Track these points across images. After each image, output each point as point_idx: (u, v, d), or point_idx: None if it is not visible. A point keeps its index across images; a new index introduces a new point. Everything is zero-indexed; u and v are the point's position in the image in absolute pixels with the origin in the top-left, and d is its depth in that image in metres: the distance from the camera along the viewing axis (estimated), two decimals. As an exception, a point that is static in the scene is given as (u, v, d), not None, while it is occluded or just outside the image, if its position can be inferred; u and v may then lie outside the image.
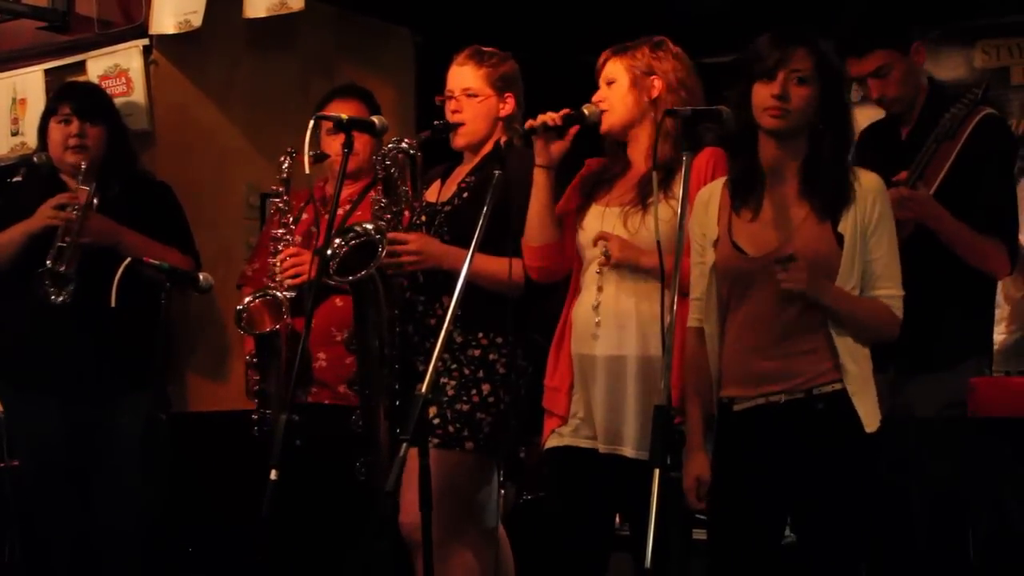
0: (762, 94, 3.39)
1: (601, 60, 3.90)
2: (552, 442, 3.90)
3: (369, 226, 4.10)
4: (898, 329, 3.44)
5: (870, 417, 3.39)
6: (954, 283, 3.95)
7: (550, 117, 3.78)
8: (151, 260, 4.46)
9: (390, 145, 4.21)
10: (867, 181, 3.45)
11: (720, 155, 3.69)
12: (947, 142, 3.95)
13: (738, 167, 3.51)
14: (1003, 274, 4.10)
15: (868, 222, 3.40)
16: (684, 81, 3.80)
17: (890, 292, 3.43)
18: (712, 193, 3.57)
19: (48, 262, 4.53)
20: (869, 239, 3.41)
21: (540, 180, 3.88)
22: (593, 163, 3.99)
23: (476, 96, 4.25)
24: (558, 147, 3.84)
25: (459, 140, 4.29)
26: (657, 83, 3.81)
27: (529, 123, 3.80)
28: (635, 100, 3.82)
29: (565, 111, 3.80)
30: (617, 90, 3.84)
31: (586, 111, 3.81)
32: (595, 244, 3.76)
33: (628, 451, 3.71)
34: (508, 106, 4.29)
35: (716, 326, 3.51)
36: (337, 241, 4.04)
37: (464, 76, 4.27)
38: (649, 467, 2.94)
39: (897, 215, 3.72)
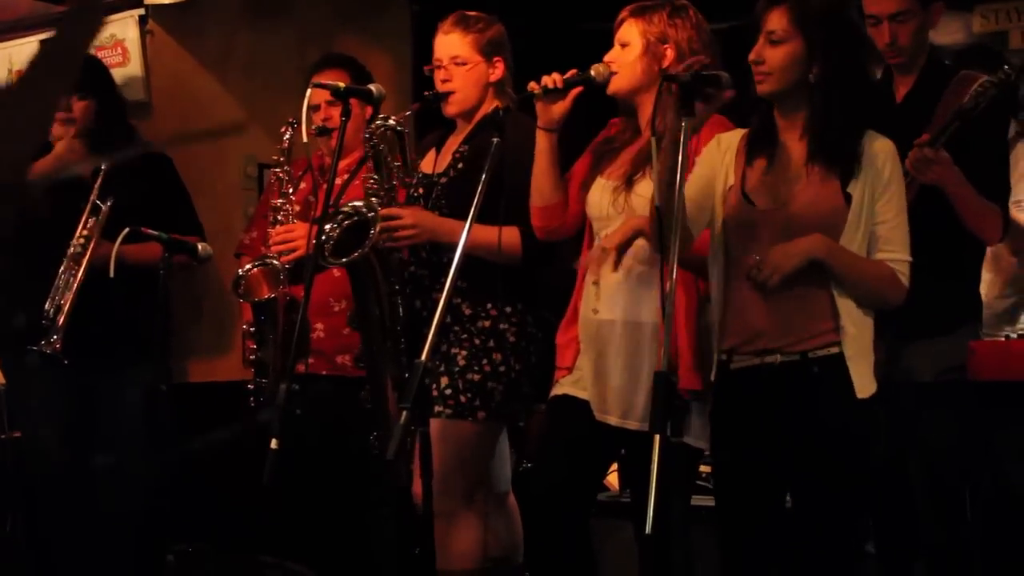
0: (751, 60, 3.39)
1: (618, 20, 3.83)
2: (554, 391, 3.91)
3: (360, 204, 4.06)
4: (904, 295, 3.40)
5: (864, 383, 3.36)
6: (947, 250, 3.93)
7: (550, 79, 3.74)
8: (149, 230, 4.46)
9: (378, 122, 4.17)
10: (879, 145, 3.40)
11: (719, 121, 3.65)
12: (951, 106, 3.93)
13: (755, 125, 3.48)
14: (995, 240, 4.09)
15: (877, 185, 3.36)
16: (699, 51, 3.68)
17: (897, 256, 3.39)
18: (732, 141, 3.52)
19: (39, 344, 4.56)
20: (877, 202, 3.37)
21: (542, 142, 3.86)
22: (617, 123, 3.95)
23: (465, 64, 4.21)
24: (560, 108, 3.79)
25: (451, 108, 4.25)
26: (669, 52, 3.74)
27: (531, 85, 3.77)
28: (645, 67, 3.77)
29: (572, 72, 3.76)
30: (629, 54, 3.78)
31: (593, 72, 3.75)
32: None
33: (613, 420, 3.73)
34: (497, 71, 4.25)
35: (721, 275, 3.48)
36: (329, 226, 4.00)
37: (451, 44, 4.23)
38: (650, 434, 2.92)
39: (919, 178, 3.75)
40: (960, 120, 3.87)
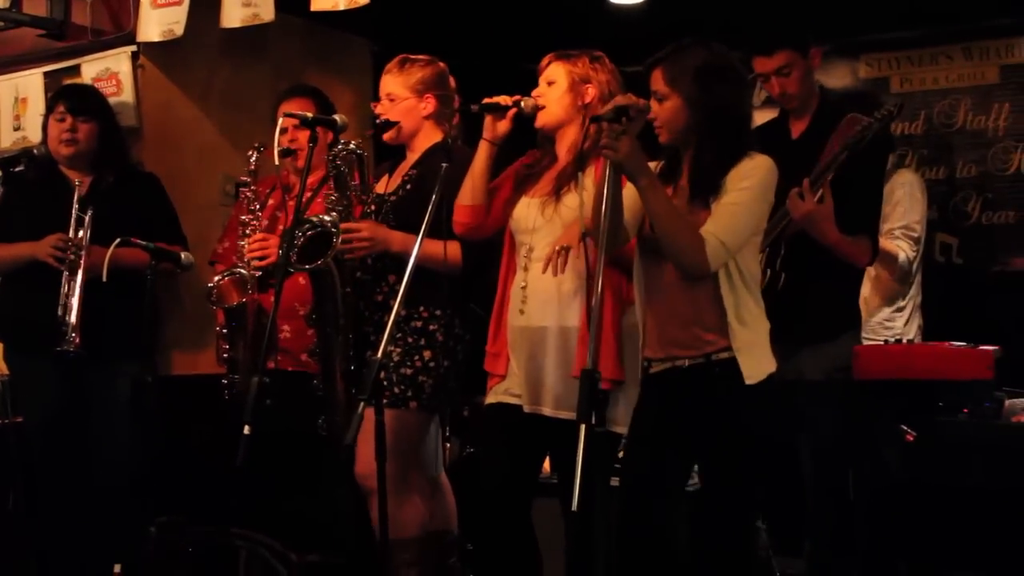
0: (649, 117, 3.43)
1: (545, 61, 3.92)
2: (488, 399, 3.98)
3: (326, 219, 4.14)
4: (704, 267, 3.28)
5: (751, 371, 3.36)
6: (831, 271, 4.03)
7: (503, 99, 3.84)
8: (138, 240, 4.47)
9: (340, 146, 4.25)
10: (748, 163, 3.37)
11: None
12: (832, 145, 3.99)
13: (664, 161, 3.54)
14: (864, 264, 4.18)
15: (736, 185, 3.34)
16: (615, 93, 3.75)
17: (711, 230, 3.29)
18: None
19: (58, 347, 4.58)
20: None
21: (483, 151, 3.92)
22: (535, 153, 4.02)
23: (395, 100, 4.29)
24: (503, 126, 3.88)
25: (386, 136, 4.33)
26: (591, 91, 3.85)
27: (486, 100, 3.84)
28: (570, 102, 3.86)
29: (516, 97, 3.84)
30: (555, 91, 3.86)
31: (523, 103, 3.86)
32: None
33: (547, 410, 3.79)
34: (429, 106, 4.31)
35: (642, 292, 3.52)
36: (296, 233, 4.02)
37: (386, 83, 4.34)
38: (576, 423, 2.94)
39: (792, 214, 3.89)
40: (848, 151, 3.93)
